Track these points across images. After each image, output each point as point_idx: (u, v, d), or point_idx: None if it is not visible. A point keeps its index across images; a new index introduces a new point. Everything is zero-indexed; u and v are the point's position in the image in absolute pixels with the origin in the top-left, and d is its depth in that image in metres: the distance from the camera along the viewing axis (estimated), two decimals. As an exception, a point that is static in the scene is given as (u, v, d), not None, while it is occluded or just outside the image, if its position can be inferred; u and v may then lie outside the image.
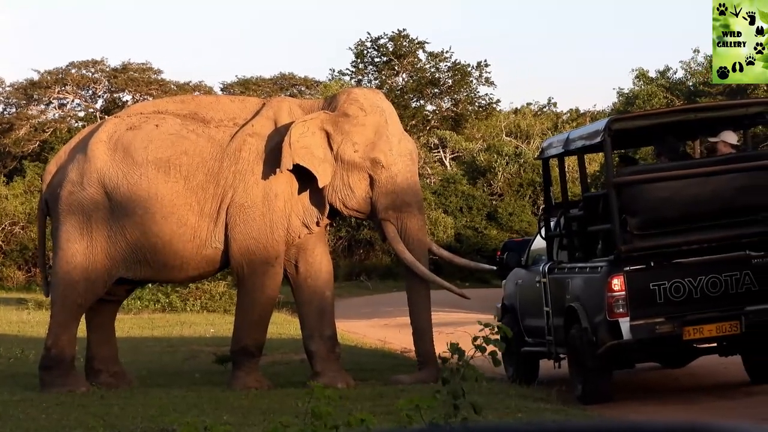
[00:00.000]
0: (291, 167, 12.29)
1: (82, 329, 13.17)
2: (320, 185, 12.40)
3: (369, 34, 54.83)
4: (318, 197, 12.57)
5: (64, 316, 12.67)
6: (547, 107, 47.13)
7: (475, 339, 6.96)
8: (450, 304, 18.72)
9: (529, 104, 47.09)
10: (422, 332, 12.71)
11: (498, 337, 7.02)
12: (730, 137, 12.21)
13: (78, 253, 12.55)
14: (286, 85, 47.67)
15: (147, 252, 12.55)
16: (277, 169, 12.30)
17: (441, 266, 23.48)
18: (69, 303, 12.63)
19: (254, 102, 13.31)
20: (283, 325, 20.34)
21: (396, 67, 45.36)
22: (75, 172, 12.73)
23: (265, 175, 12.45)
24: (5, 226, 36.76)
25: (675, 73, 42.03)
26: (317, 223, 12.74)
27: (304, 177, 12.48)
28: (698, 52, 40.25)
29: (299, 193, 12.58)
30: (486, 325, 6.98)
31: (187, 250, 12.55)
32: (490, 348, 7.01)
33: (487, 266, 14.48)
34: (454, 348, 6.93)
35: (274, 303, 13.05)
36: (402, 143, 12.76)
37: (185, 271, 12.82)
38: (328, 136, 12.53)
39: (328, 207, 12.62)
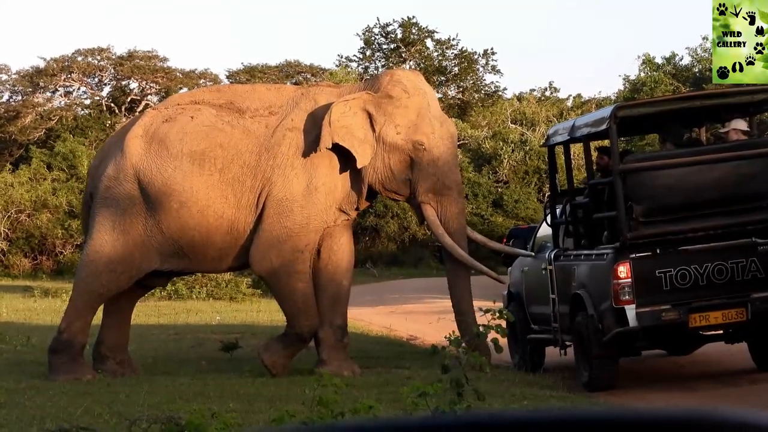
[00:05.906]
0: (330, 146, 12.21)
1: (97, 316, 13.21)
2: (358, 166, 12.33)
3: (378, 20, 54.81)
4: (358, 181, 12.56)
5: (81, 302, 12.77)
6: (548, 91, 47.02)
7: (476, 327, 6.95)
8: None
9: (532, 90, 47.03)
10: (466, 315, 12.57)
11: (500, 322, 7.00)
12: (741, 125, 12.17)
13: (107, 244, 12.61)
14: (291, 72, 47.60)
15: (184, 245, 12.60)
16: (318, 148, 12.22)
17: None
18: (89, 291, 12.73)
19: (290, 90, 13.31)
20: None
21: (403, 55, 45.31)
22: (112, 167, 12.82)
23: (306, 167, 12.44)
24: (11, 213, 36.79)
25: (681, 59, 41.98)
26: (357, 208, 12.79)
27: (344, 163, 12.45)
28: (707, 39, 40.21)
29: (340, 180, 12.54)
30: (487, 311, 6.97)
31: (225, 242, 12.59)
32: (492, 334, 7.00)
33: (522, 251, 14.13)
34: (456, 340, 6.92)
35: (311, 287, 12.73)
36: (444, 126, 12.74)
37: (225, 262, 12.90)
38: (370, 117, 12.50)
39: (367, 189, 12.61)
